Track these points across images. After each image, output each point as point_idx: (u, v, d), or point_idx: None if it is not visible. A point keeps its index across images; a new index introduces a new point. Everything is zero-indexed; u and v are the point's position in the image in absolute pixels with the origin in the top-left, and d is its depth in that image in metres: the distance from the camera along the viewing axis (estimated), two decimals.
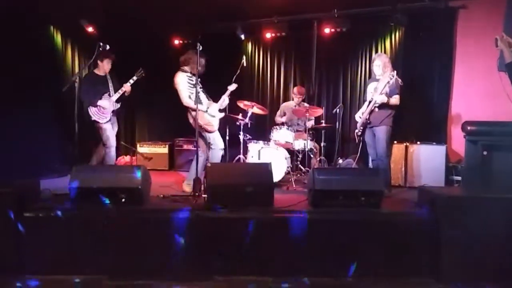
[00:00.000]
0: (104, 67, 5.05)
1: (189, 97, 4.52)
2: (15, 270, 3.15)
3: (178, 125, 6.90)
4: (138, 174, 3.41)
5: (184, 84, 4.56)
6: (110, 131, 4.98)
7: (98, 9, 5.85)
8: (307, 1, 5.76)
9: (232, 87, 4.85)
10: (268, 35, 6.63)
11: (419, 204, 3.58)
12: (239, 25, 6.42)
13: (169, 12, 5.99)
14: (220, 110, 4.79)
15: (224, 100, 4.79)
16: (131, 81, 5.01)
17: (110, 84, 5.07)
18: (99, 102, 4.89)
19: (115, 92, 5.03)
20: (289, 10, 6.15)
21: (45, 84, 5.42)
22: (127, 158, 6.69)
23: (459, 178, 5.10)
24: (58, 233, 3.20)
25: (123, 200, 3.36)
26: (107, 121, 4.95)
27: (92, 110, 4.90)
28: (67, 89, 4.30)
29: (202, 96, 4.66)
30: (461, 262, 3.10)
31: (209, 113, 4.62)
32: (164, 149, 6.79)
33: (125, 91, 4.99)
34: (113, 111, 5.00)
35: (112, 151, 4.97)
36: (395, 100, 4.50)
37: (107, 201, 3.34)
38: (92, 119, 4.90)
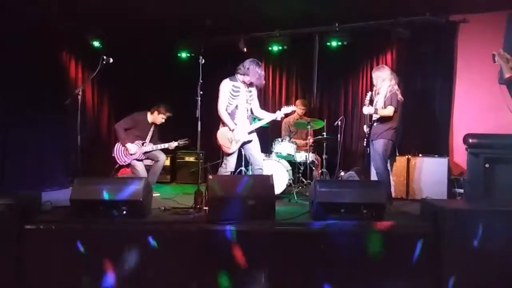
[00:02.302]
0: (156, 119, 5.17)
1: (226, 108, 4.35)
2: (15, 283, 3.13)
3: (180, 137, 6.95)
4: (140, 187, 3.42)
5: (225, 93, 4.33)
6: (141, 166, 5.07)
7: (102, 22, 5.94)
8: (309, 15, 5.82)
9: (288, 109, 4.61)
10: (270, 49, 6.69)
11: (421, 217, 3.56)
12: (242, 38, 6.48)
13: (174, 25, 6.07)
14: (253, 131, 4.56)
15: (274, 117, 4.55)
16: (175, 144, 5.15)
17: (150, 135, 5.17)
18: (128, 145, 4.96)
19: (148, 143, 5.14)
20: (291, 24, 6.22)
21: (48, 96, 5.46)
22: (128, 170, 6.68)
23: (461, 190, 5.08)
24: (58, 245, 3.19)
25: (125, 212, 3.36)
26: (122, 165, 5.06)
27: (117, 147, 5.01)
28: (70, 102, 4.34)
29: (242, 112, 4.42)
30: (463, 276, 3.06)
31: (234, 134, 4.36)
32: (166, 161, 6.77)
33: (166, 148, 5.15)
34: (136, 159, 5.08)
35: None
36: (386, 111, 4.35)
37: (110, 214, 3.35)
38: (112, 155, 5.00)
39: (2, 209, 3.15)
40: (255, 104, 4.60)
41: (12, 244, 3.13)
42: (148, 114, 5.21)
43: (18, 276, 3.14)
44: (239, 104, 4.39)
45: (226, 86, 4.35)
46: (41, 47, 5.45)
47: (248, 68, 4.35)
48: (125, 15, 5.63)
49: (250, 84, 4.49)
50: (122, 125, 5.06)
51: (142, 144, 5.08)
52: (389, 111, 4.36)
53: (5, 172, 4.77)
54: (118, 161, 5.00)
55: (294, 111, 5.93)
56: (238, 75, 4.42)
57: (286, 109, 4.62)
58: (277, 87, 7.09)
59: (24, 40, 5.06)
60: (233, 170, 4.55)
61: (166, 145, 5.14)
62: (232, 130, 4.36)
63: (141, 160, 5.14)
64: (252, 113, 4.60)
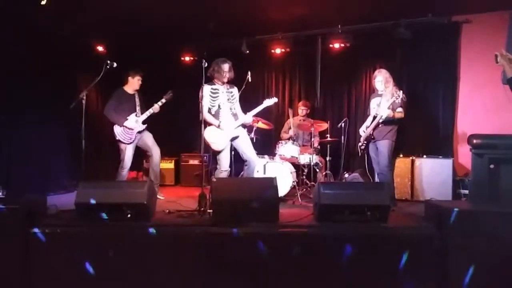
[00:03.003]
0: (134, 84, 5.08)
1: (210, 110, 4.50)
2: (21, 286, 3.15)
3: (184, 141, 6.98)
4: (144, 190, 3.43)
5: (205, 97, 4.45)
6: (129, 152, 5.00)
7: (106, 27, 5.97)
8: (311, 17, 5.84)
9: (270, 101, 4.75)
10: (273, 51, 6.71)
11: (426, 219, 3.55)
12: (244, 41, 6.50)
13: (177, 29, 6.11)
14: (244, 125, 4.74)
15: (259, 110, 4.69)
16: (160, 103, 5.02)
17: (138, 103, 5.09)
18: (126, 123, 4.92)
19: (142, 113, 5.04)
20: (293, 26, 6.24)
21: (52, 101, 5.50)
22: (133, 174, 6.72)
23: (466, 191, 5.06)
24: (64, 249, 3.21)
25: (129, 215, 3.38)
26: (131, 143, 4.98)
27: (117, 130, 4.94)
28: (74, 106, 4.37)
29: (225, 110, 4.55)
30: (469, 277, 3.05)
31: (221, 129, 4.48)
32: (170, 165, 6.82)
33: (153, 112, 5.02)
34: (138, 132, 5.03)
35: (125, 172, 5.00)
36: (399, 114, 4.52)
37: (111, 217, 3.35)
38: (117, 138, 4.95)
39: (8, 213, 3.17)
40: (237, 106, 4.71)
41: (17, 248, 3.16)
42: (125, 86, 5.11)
43: (24, 280, 3.16)
44: (220, 103, 4.54)
45: (204, 90, 4.44)
46: (45, 52, 5.49)
47: (212, 69, 4.52)
48: (129, 20, 5.67)
49: (231, 86, 4.66)
50: (109, 108, 4.99)
51: (136, 115, 5.04)
52: (402, 113, 4.54)
53: (11, 176, 4.80)
54: (124, 141, 4.94)
55: (297, 113, 5.92)
56: (214, 79, 4.58)
57: (268, 102, 4.75)
58: (280, 89, 7.10)
59: (27, 45, 5.10)
60: (228, 169, 4.59)
61: (152, 110, 5.02)
62: (218, 126, 4.48)
63: (142, 132, 5.06)
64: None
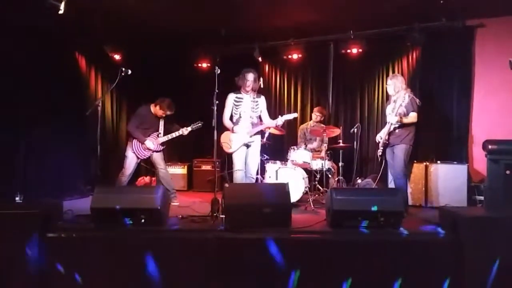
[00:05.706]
0: (157, 112, 5.12)
1: (232, 118, 4.72)
2: None
3: (196, 146, 7.03)
4: (158, 195, 3.47)
5: (229, 105, 4.72)
6: (133, 164, 5.08)
7: (121, 35, 6.08)
8: (324, 22, 5.85)
9: (290, 116, 4.89)
10: (285, 57, 6.74)
11: (440, 225, 3.51)
12: (257, 47, 6.54)
13: (191, 35, 6.20)
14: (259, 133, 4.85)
15: (275, 123, 4.78)
16: (186, 130, 5.12)
17: (162, 124, 5.18)
18: (146, 142, 5.00)
19: (165, 133, 5.13)
20: (306, 32, 6.25)
21: (69, 107, 5.60)
22: (147, 179, 6.79)
23: (481, 198, 4.98)
24: (80, 253, 3.26)
25: (143, 220, 3.42)
26: (143, 158, 5.08)
27: (135, 144, 5.03)
28: (90, 113, 4.44)
29: (245, 119, 4.71)
30: (484, 285, 3.00)
31: (234, 133, 4.69)
32: (183, 170, 6.87)
33: (180, 135, 5.13)
34: (155, 151, 5.11)
35: (123, 179, 5.04)
36: (411, 118, 4.46)
37: (129, 222, 3.41)
38: (132, 151, 5.04)
39: (25, 217, 3.24)
40: (264, 114, 4.86)
41: (34, 252, 3.21)
42: (152, 106, 5.18)
43: (41, 284, 3.22)
44: (242, 112, 4.72)
45: (229, 98, 4.72)
46: (61, 60, 5.61)
47: (238, 78, 4.73)
48: (143, 27, 5.76)
49: (258, 95, 4.81)
50: (132, 125, 5.09)
51: (157, 135, 5.12)
52: (414, 117, 4.46)
53: (27, 181, 4.90)
54: (139, 156, 5.05)
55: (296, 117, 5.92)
56: (240, 87, 4.76)
57: (287, 116, 4.86)
58: (293, 95, 7.10)
59: (44, 53, 5.22)
60: (242, 169, 4.70)
61: (180, 132, 5.13)
62: (232, 130, 4.69)
63: (159, 151, 5.16)
64: (261, 121, 4.85)
